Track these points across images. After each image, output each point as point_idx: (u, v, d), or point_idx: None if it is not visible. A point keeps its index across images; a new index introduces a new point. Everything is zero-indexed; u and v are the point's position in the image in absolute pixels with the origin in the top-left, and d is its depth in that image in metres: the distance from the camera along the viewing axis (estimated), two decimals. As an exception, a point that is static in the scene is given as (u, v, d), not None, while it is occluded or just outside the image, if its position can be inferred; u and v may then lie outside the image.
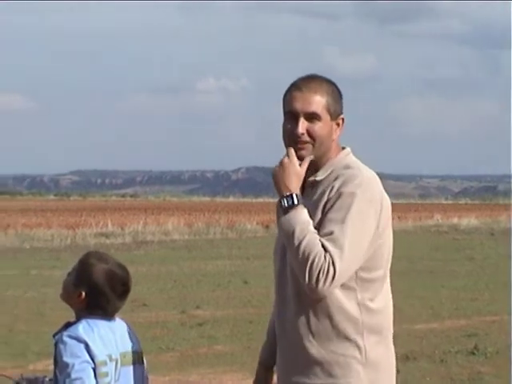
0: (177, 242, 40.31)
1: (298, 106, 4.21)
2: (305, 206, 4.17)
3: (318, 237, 4.02)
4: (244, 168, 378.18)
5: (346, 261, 3.98)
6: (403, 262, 27.05)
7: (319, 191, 4.24)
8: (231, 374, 12.50)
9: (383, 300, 4.24)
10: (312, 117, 4.22)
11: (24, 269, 26.07)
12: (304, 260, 3.96)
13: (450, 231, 48.73)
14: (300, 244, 3.98)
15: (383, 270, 4.20)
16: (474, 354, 13.37)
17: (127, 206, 75.87)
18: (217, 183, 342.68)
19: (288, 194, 4.08)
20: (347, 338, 4.14)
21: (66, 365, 4.48)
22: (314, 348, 4.19)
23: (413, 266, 26.66)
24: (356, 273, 4.09)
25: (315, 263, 3.94)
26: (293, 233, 4.00)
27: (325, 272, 3.92)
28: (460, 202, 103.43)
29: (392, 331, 4.30)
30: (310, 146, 4.26)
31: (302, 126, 4.20)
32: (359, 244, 4.07)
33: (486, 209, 70.30)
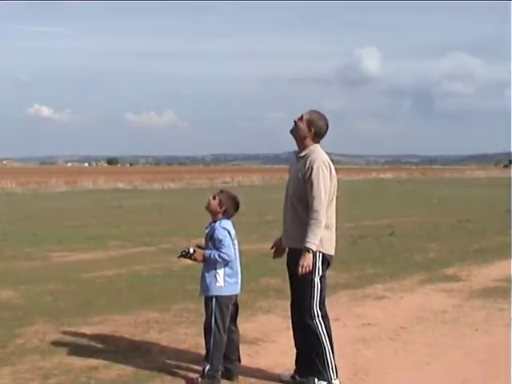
0: (256, 186, 47.87)
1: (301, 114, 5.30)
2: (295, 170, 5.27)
3: (309, 229, 5.06)
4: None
5: (324, 208, 5.12)
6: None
7: (302, 161, 5.26)
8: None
9: (331, 213, 5.30)
10: (300, 118, 5.28)
11: (190, 198, 31.57)
12: (319, 231, 5.09)
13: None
14: (316, 236, 5.07)
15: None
16: (391, 235, 15.79)
17: (239, 169, 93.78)
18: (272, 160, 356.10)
19: (310, 250, 5.07)
20: None
21: (220, 240, 5.30)
22: (298, 229, 5.21)
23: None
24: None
25: (317, 227, 5.06)
26: (316, 239, 5.08)
27: (318, 220, 5.08)
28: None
29: (334, 226, 5.31)
30: (293, 129, 5.28)
31: (297, 119, 5.27)
32: (326, 194, 5.15)
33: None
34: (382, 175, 69.31)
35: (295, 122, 5.25)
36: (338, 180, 5.34)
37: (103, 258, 12.39)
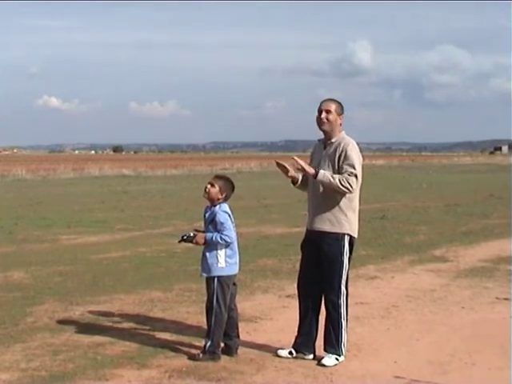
0: (255, 172, 47.95)
1: (323, 107, 5.32)
2: (324, 160, 5.28)
3: (335, 175, 5.08)
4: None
5: (356, 185, 5.18)
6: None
7: (333, 147, 5.34)
8: (280, 225, 14.57)
9: (357, 197, 5.36)
10: (328, 111, 5.31)
11: (191, 184, 31.42)
12: (337, 186, 5.12)
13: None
14: (331, 182, 5.13)
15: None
16: (382, 218, 16.14)
17: (238, 157, 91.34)
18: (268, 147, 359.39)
19: (314, 172, 5.19)
20: (343, 211, 5.29)
21: (222, 223, 5.34)
22: (328, 213, 5.29)
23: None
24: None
25: (343, 184, 5.11)
26: (327, 180, 5.15)
27: (350, 184, 5.11)
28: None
29: (358, 210, 5.38)
30: (327, 124, 5.29)
31: (324, 115, 5.29)
32: (360, 171, 5.23)
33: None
34: (374, 162, 69.60)
35: (325, 118, 5.31)
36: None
37: (109, 241, 12.49)
